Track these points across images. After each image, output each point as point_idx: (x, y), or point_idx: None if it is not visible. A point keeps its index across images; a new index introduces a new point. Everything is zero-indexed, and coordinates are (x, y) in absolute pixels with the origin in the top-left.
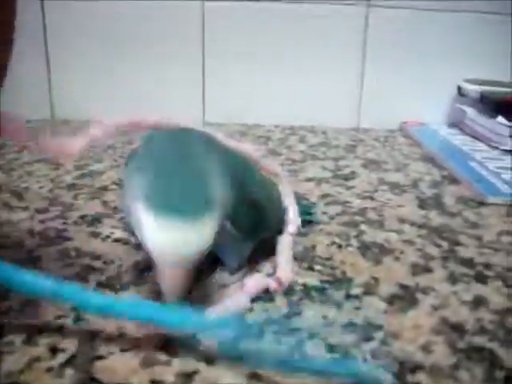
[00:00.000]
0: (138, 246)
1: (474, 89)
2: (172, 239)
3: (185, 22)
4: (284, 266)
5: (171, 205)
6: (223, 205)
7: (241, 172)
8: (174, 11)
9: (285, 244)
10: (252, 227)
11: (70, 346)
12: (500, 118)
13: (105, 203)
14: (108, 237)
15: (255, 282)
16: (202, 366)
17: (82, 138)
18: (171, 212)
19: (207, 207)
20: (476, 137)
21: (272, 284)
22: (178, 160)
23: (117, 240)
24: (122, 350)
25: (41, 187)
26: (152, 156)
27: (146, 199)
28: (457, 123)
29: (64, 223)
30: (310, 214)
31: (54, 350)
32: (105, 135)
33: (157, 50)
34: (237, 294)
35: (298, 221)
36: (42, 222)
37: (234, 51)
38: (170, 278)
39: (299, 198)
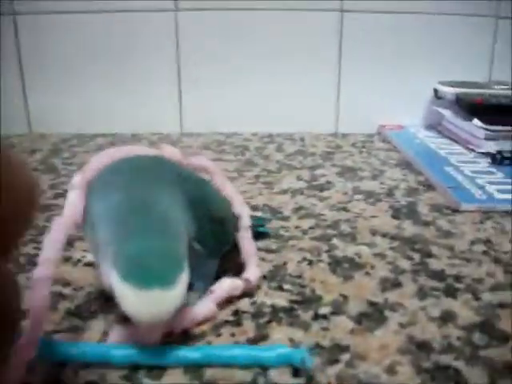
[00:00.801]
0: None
1: (449, 91)
2: (150, 306)
3: (158, 33)
4: (250, 263)
5: (146, 275)
6: (188, 233)
7: (198, 191)
8: (148, 23)
9: (244, 239)
10: (216, 242)
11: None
12: (475, 121)
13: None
14: (79, 261)
15: (223, 286)
16: None
17: None
18: (147, 282)
19: (179, 266)
20: (453, 139)
21: (240, 285)
22: (139, 208)
23: (87, 264)
24: (87, 383)
25: None
26: (111, 200)
27: (119, 269)
28: (434, 125)
29: (36, 248)
30: (261, 226)
31: None
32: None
33: (132, 62)
34: (205, 301)
35: (246, 211)
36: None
37: (210, 59)
38: (148, 331)
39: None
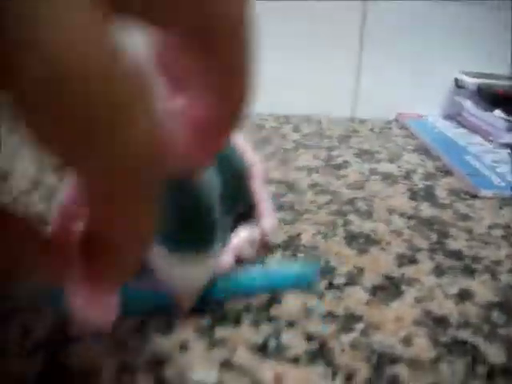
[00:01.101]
0: None
1: (471, 81)
2: (189, 273)
3: None
4: (264, 212)
5: (185, 248)
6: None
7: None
8: None
9: (260, 192)
10: (233, 198)
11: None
12: (497, 112)
13: None
14: None
15: (240, 237)
16: (174, 353)
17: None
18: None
19: (213, 232)
20: (473, 130)
21: (257, 234)
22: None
23: None
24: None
25: (26, 168)
26: None
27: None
28: (454, 116)
29: (47, 207)
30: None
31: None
32: None
33: None
34: (223, 254)
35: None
36: (25, 205)
37: None
38: (184, 298)
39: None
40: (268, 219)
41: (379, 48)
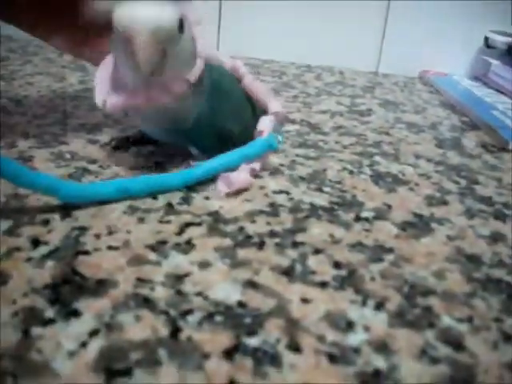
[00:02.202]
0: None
1: (501, 40)
2: (141, 11)
3: None
4: (269, 100)
5: None
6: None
7: None
8: None
9: (251, 82)
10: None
11: (53, 239)
12: None
13: (107, 116)
14: (107, 144)
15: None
16: (194, 269)
17: None
18: None
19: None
20: (500, 90)
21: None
22: None
23: (116, 148)
24: (109, 248)
25: (41, 96)
26: None
27: None
28: (480, 76)
29: (62, 129)
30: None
31: (35, 242)
32: None
33: None
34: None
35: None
36: (38, 126)
37: None
38: (143, 47)
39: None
40: (274, 104)
41: (406, 5)
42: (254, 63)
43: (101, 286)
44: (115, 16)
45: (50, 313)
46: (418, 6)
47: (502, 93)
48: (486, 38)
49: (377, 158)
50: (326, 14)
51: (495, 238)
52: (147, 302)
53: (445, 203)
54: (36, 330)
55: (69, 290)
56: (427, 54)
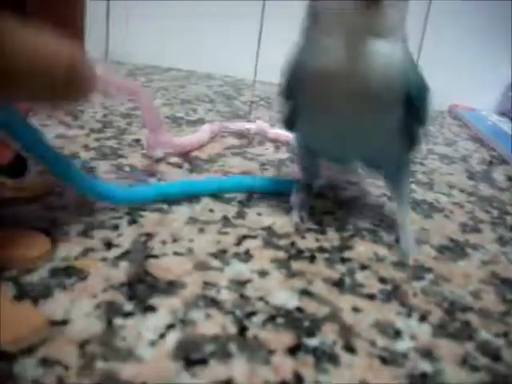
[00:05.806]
0: None
1: None
2: None
3: None
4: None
5: None
6: None
7: None
8: None
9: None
10: None
11: (124, 242)
12: None
13: None
14: (163, 159)
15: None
16: (254, 277)
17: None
18: None
19: None
20: None
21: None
22: None
23: (172, 164)
24: (175, 254)
25: (95, 112)
26: None
27: None
28: (507, 112)
29: (118, 143)
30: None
31: (108, 244)
32: None
33: None
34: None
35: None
36: (97, 140)
37: None
38: None
39: None
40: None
41: (437, 42)
42: None
43: (171, 287)
44: None
45: (128, 307)
46: (449, 43)
47: None
48: None
49: (413, 187)
50: None
51: None
52: (215, 303)
53: (478, 231)
54: (118, 321)
55: (143, 288)
56: (457, 88)
